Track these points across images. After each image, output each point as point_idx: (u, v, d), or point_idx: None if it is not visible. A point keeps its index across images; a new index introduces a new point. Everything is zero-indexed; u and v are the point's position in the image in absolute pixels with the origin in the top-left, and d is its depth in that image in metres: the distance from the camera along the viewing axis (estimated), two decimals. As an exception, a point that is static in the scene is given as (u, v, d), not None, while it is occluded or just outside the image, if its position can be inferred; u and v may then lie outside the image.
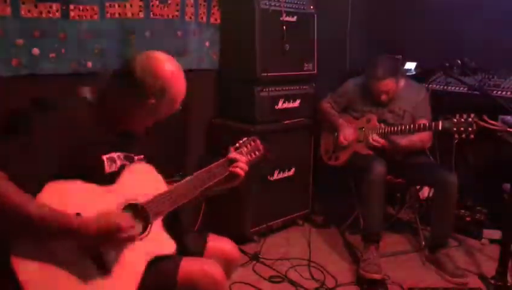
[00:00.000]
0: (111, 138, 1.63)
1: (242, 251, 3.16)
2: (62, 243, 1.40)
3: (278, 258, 3.09)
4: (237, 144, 1.91)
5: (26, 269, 1.31)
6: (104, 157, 1.58)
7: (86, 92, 1.62)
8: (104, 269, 1.46)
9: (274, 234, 3.45)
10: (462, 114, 2.78)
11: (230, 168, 1.82)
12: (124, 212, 1.54)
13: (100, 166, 1.56)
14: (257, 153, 1.94)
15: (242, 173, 1.82)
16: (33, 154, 1.37)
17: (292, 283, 2.81)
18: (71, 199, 1.41)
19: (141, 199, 1.59)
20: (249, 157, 1.91)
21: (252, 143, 1.94)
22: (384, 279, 2.81)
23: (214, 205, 3.11)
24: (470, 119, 2.75)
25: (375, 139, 3.03)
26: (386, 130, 3.05)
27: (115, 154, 1.61)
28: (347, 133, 3.20)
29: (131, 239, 1.51)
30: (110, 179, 1.57)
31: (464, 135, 2.77)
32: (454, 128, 2.78)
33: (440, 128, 2.85)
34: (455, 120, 2.79)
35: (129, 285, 1.51)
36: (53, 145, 1.42)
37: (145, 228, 1.60)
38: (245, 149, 1.91)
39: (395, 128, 3.02)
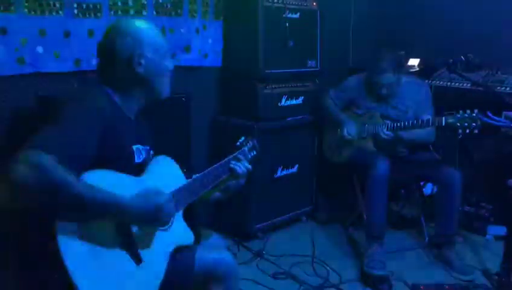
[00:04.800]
0: (133, 129, 1.66)
1: (246, 248, 3.18)
2: (102, 233, 1.42)
3: (282, 255, 3.09)
4: (238, 143, 2.04)
5: (73, 254, 1.33)
6: (134, 147, 1.63)
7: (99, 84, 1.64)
8: (137, 259, 1.52)
9: (278, 231, 3.46)
10: (465, 110, 2.77)
11: (230, 165, 1.91)
12: (166, 194, 1.59)
13: (131, 156, 1.61)
14: (255, 151, 2.10)
15: (241, 170, 1.91)
16: (72, 141, 1.38)
17: (296, 279, 2.81)
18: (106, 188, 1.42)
19: (166, 190, 1.65)
20: (250, 155, 2.06)
21: (250, 142, 2.09)
22: (388, 275, 2.80)
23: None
24: (474, 115, 2.74)
25: (387, 133, 3.01)
26: (391, 125, 3.04)
27: (139, 145, 1.66)
28: (350, 128, 3.20)
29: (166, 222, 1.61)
30: (138, 169, 1.62)
31: (467, 131, 2.75)
32: (458, 124, 2.77)
33: (444, 124, 2.84)
34: (459, 116, 2.78)
35: (158, 273, 1.59)
36: (87, 135, 1.44)
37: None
38: (246, 149, 2.04)
39: (400, 124, 3.01)
